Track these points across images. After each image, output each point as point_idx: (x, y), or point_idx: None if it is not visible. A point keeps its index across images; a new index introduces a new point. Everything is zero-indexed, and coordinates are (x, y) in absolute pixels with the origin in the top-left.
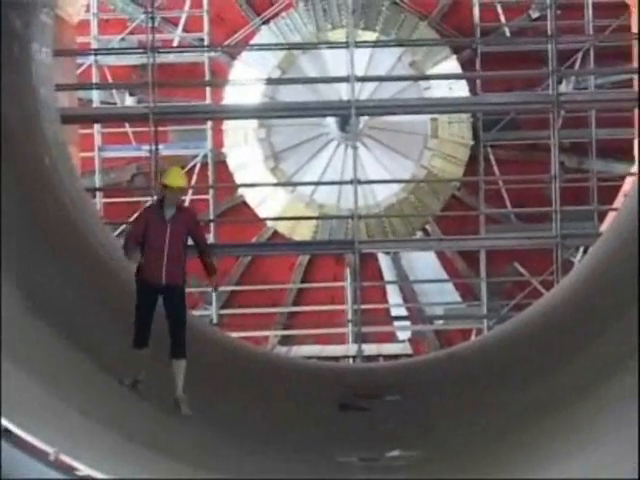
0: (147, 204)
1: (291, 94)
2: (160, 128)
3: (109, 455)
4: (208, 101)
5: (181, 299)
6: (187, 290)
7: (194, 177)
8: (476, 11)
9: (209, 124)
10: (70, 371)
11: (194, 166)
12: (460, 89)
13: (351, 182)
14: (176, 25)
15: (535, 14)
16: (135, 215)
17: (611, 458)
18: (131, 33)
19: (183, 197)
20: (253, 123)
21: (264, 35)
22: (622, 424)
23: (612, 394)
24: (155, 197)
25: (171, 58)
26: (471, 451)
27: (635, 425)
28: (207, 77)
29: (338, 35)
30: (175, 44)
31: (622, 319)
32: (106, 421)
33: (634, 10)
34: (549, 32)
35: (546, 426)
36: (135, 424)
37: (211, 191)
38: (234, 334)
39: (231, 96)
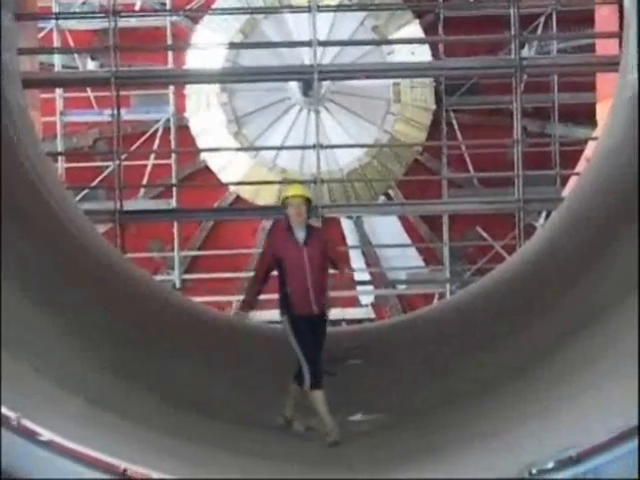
0: (270, 231)
1: (253, 59)
2: (122, 93)
3: (72, 420)
4: (170, 65)
5: (325, 327)
6: (150, 254)
7: (156, 142)
8: None
9: (171, 89)
10: (33, 334)
11: (156, 131)
12: (423, 54)
13: (314, 147)
14: None
15: None
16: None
17: (575, 420)
18: None
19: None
20: (215, 88)
21: None
22: (583, 385)
23: (573, 357)
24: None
25: (133, 22)
26: (434, 415)
27: (596, 387)
28: (169, 41)
29: None
30: (137, 8)
31: (583, 283)
32: (69, 386)
33: None
34: None
35: (509, 389)
36: (97, 389)
37: (173, 156)
38: (197, 299)
39: (193, 60)
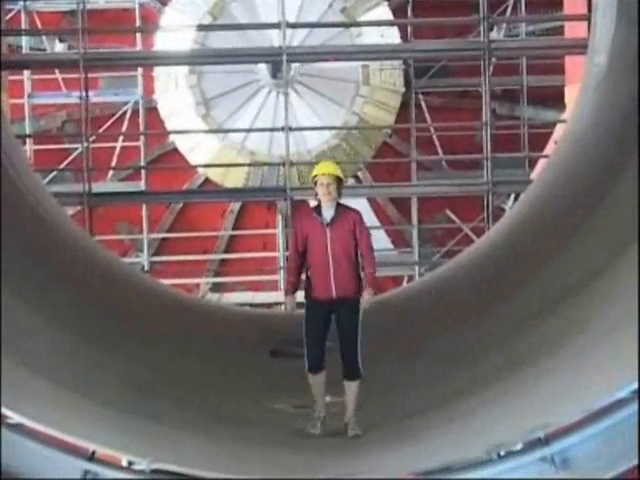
0: (301, 210)
1: (222, 41)
2: (90, 75)
3: (39, 402)
4: (139, 48)
5: (355, 313)
6: (118, 237)
7: (125, 124)
8: None
9: (140, 71)
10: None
11: (125, 113)
12: (392, 36)
13: (282, 129)
14: None
15: None
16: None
17: (544, 401)
18: None
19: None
20: (184, 70)
21: None
22: (551, 367)
23: (539, 341)
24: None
25: (101, 4)
26: (404, 397)
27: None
28: (137, 23)
29: None
30: None
31: (551, 265)
32: (35, 368)
33: None
34: None
35: (478, 370)
36: (65, 370)
37: (142, 138)
38: (165, 281)
39: (162, 42)
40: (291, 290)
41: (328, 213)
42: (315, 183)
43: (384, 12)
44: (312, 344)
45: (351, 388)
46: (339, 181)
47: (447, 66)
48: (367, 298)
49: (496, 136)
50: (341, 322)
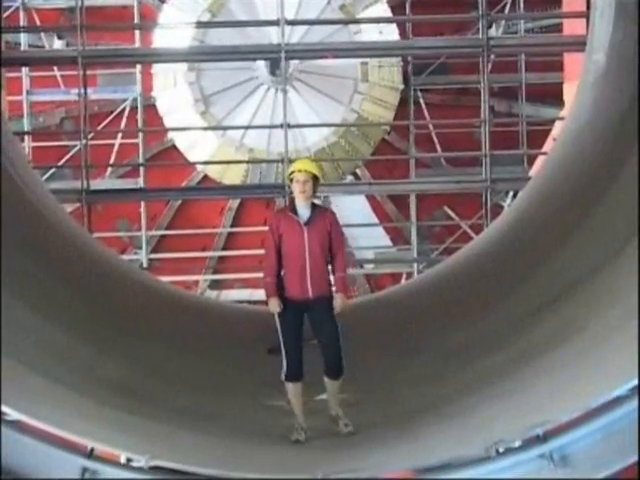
0: (276, 211)
1: (221, 38)
2: (89, 72)
3: (37, 399)
4: (137, 45)
5: (331, 310)
6: (117, 234)
7: (123, 121)
8: None
9: (138, 68)
10: None
11: (123, 110)
12: (390, 33)
13: (281, 126)
14: None
15: None
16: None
17: (544, 398)
18: None
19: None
20: (183, 67)
21: None
22: (551, 364)
23: (539, 338)
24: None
25: (100, 1)
26: (402, 394)
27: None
28: (136, 20)
29: None
30: None
31: (550, 262)
32: (32, 365)
33: None
34: None
35: (477, 367)
36: (63, 367)
37: (140, 135)
38: (164, 278)
39: (160, 39)
40: (274, 292)
41: (304, 212)
42: (291, 180)
43: (383, 9)
44: (291, 348)
45: (333, 385)
46: (315, 179)
47: (446, 63)
48: (340, 303)
49: (494, 133)
50: (319, 321)
